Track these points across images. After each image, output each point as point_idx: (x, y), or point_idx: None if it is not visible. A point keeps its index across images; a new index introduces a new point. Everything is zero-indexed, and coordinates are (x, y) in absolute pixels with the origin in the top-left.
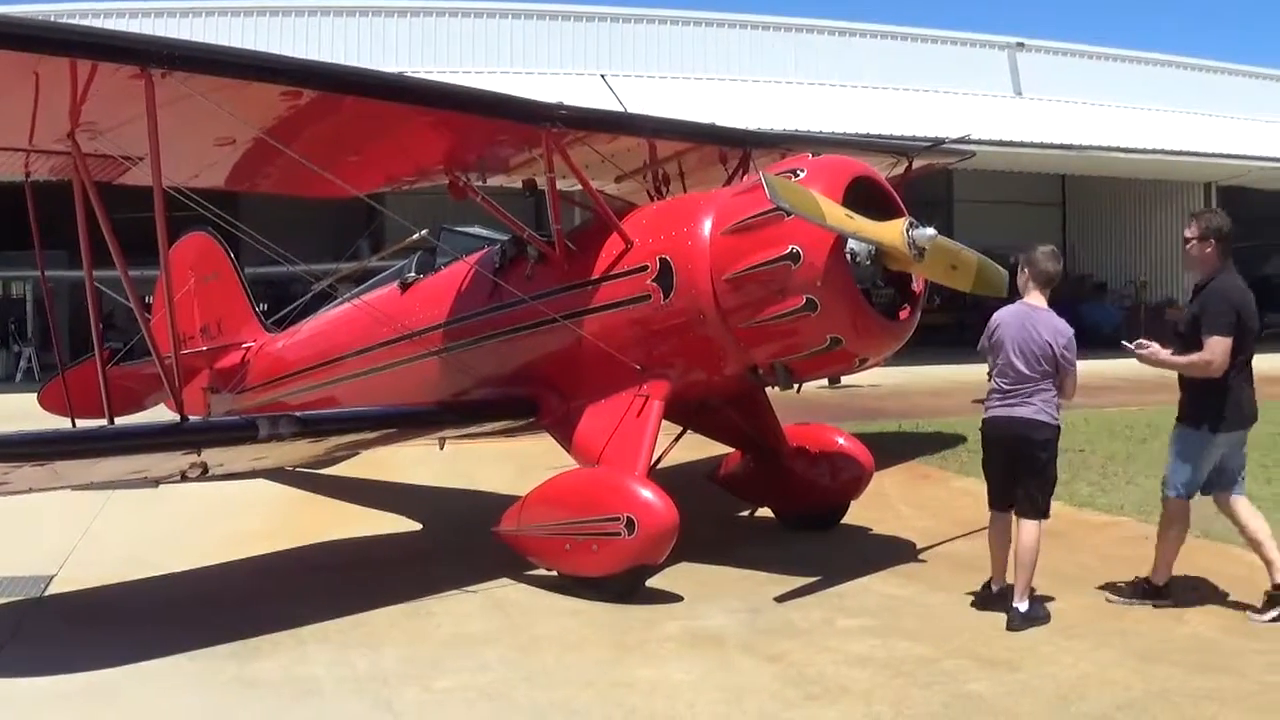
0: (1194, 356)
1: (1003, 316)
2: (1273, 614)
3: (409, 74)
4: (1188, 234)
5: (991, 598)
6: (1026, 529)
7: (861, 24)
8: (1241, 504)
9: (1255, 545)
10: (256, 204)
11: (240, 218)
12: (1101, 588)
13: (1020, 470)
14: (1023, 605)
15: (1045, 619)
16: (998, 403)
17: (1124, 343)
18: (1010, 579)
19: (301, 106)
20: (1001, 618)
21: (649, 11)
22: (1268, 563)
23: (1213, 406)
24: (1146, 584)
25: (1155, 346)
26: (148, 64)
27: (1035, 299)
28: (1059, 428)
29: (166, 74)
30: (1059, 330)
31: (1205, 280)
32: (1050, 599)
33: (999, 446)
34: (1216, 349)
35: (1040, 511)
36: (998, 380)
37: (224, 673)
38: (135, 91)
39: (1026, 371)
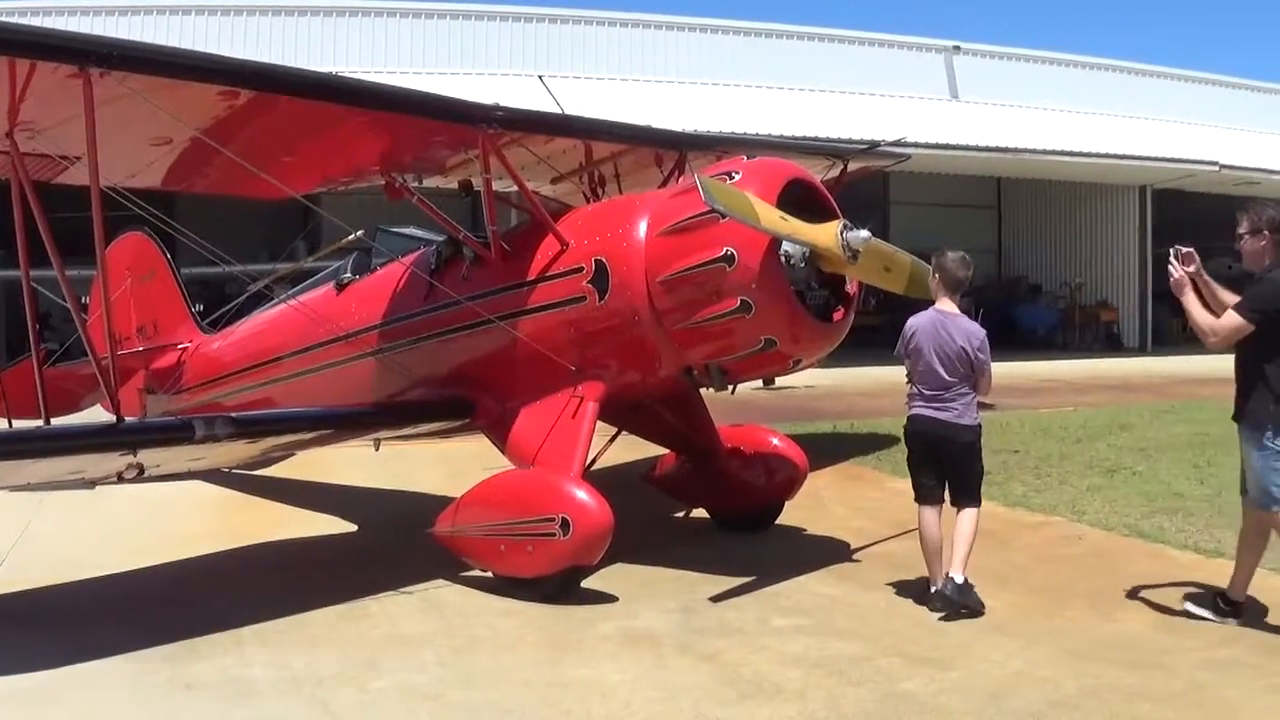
0: (1207, 316)
1: (917, 323)
2: None
3: (345, 74)
4: (1239, 230)
5: (933, 597)
6: (969, 516)
7: (798, 26)
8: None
9: None
10: (193, 204)
11: (177, 218)
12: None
13: (949, 469)
14: (959, 577)
15: (980, 608)
16: (921, 405)
17: (1174, 247)
18: (948, 572)
19: (238, 107)
20: (932, 616)
21: (586, 13)
22: None
23: (1266, 410)
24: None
25: (1194, 271)
26: (86, 63)
27: (946, 304)
28: (981, 426)
29: (105, 73)
30: (971, 333)
31: (1260, 276)
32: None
33: (924, 445)
34: (1227, 325)
35: (976, 500)
36: (918, 385)
37: (161, 674)
38: (73, 91)
39: (946, 375)
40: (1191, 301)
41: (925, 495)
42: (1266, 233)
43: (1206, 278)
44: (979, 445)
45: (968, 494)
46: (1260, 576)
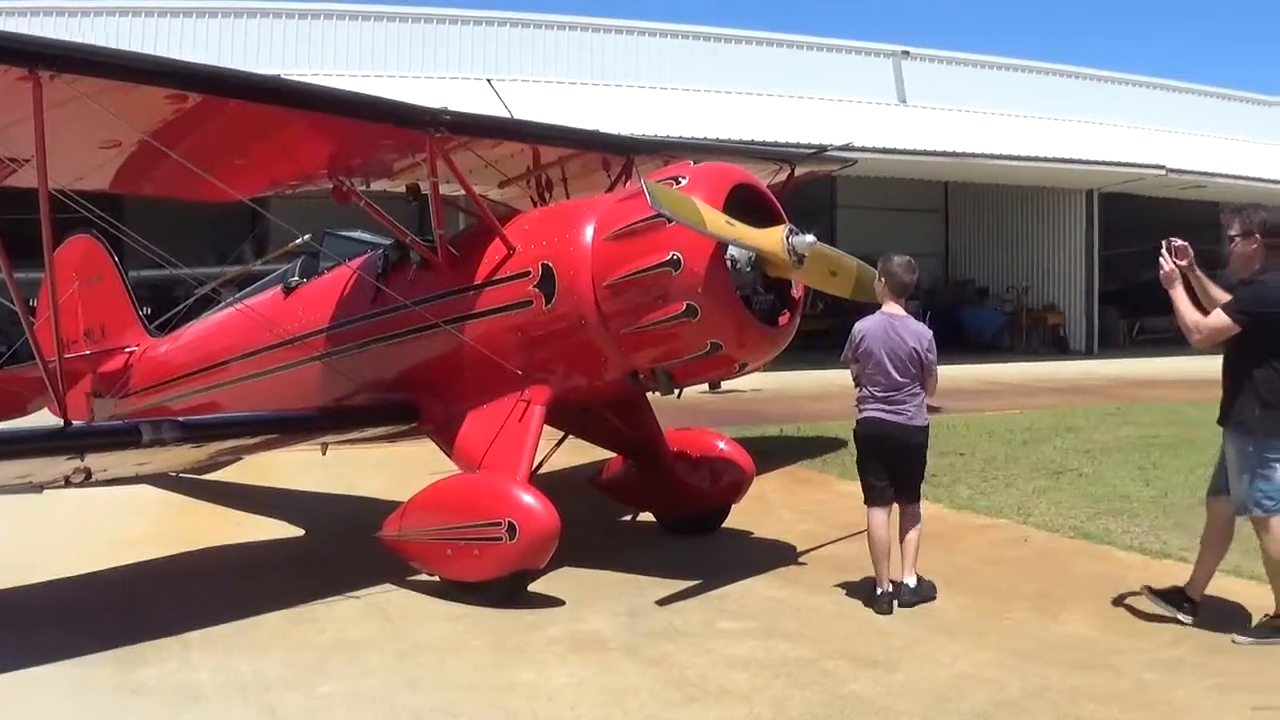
0: (1194, 313)
1: (866, 326)
2: (1268, 642)
3: (294, 77)
4: (1230, 232)
5: (879, 599)
6: (914, 515)
7: (746, 31)
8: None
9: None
10: (141, 207)
11: (125, 221)
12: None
13: (900, 469)
14: (911, 580)
15: (932, 594)
16: (873, 407)
17: (1167, 239)
18: (895, 577)
19: (187, 110)
20: (881, 619)
21: (535, 16)
22: (1276, 589)
23: (1253, 413)
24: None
25: (1186, 265)
26: (36, 66)
27: (893, 307)
28: (928, 427)
29: (55, 76)
30: (920, 334)
31: (1251, 279)
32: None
33: (877, 447)
34: (1213, 324)
35: (918, 496)
36: (869, 388)
37: (108, 679)
38: (23, 93)
39: (897, 377)
40: (1180, 296)
41: (876, 497)
42: (1258, 236)
43: (1199, 273)
44: (927, 443)
45: (914, 492)
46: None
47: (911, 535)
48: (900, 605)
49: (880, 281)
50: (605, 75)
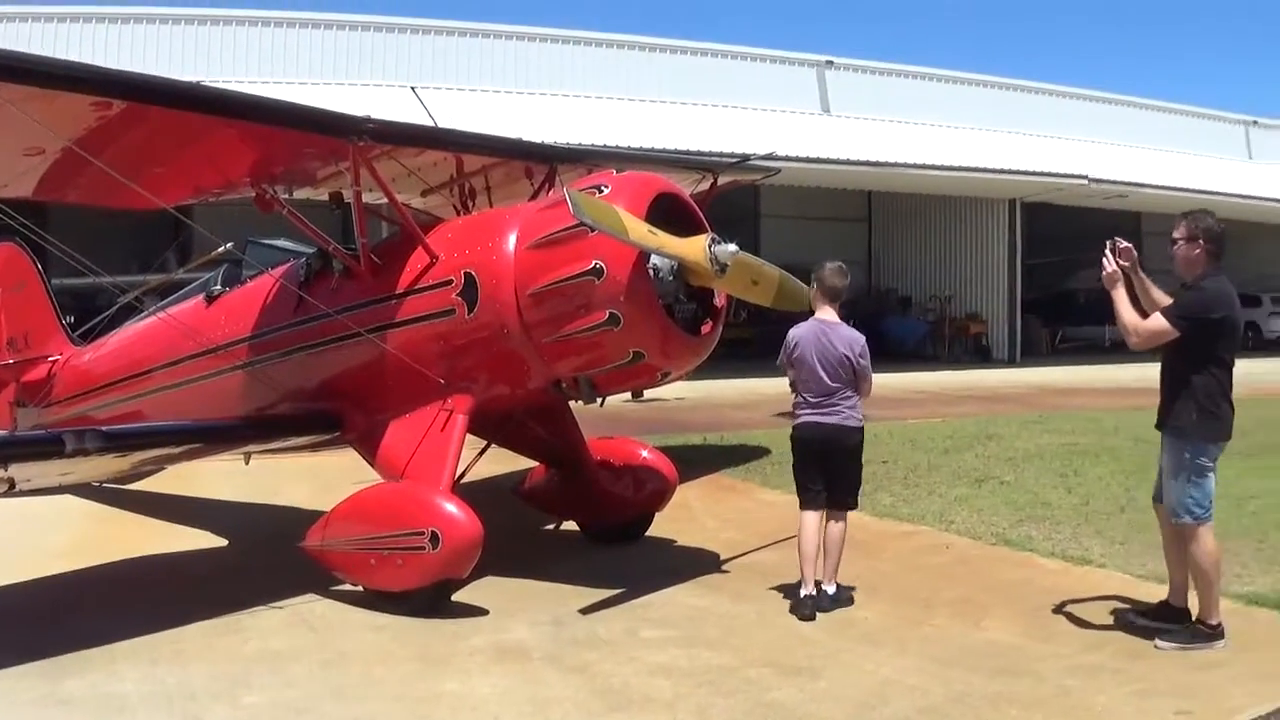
0: (1133, 315)
1: (799, 333)
2: (1189, 648)
3: (218, 85)
4: (1175, 235)
5: (802, 601)
6: (839, 522)
7: (671, 40)
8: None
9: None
10: (64, 215)
11: (48, 228)
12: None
13: (834, 472)
14: (831, 588)
15: (850, 601)
16: (808, 413)
17: (1111, 240)
18: (820, 583)
19: (111, 117)
20: (804, 626)
21: (459, 24)
22: (1201, 597)
23: (1190, 420)
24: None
25: (1129, 266)
26: None
27: (826, 313)
28: (862, 429)
29: None
30: (852, 340)
31: (1193, 284)
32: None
33: (812, 451)
34: (1152, 327)
35: (849, 504)
36: (803, 393)
37: (33, 691)
38: None
39: (830, 382)
40: (1121, 297)
41: (810, 500)
42: (1202, 242)
43: (1142, 275)
44: (860, 447)
45: (848, 496)
46: (1127, 583)
47: (835, 542)
48: (819, 611)
49: (813, 287)
50: (529, 84)
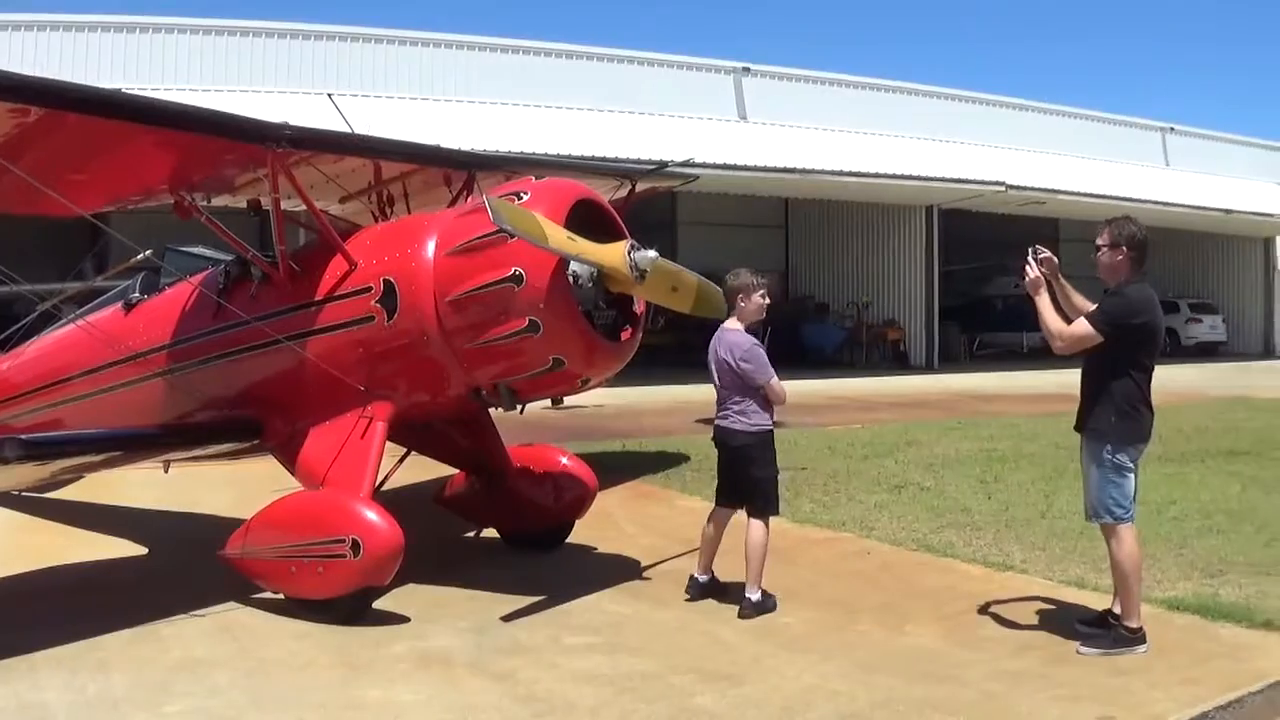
0: (1058, 321)
1: (712, 341)
2: (1110, 653)
3: (135, 92)
4: (1098, 241)
5: (700, 587)
6: (754, 526)
7: (587, 47)
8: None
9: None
10: None
11: None
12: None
13: (736, 474)
14: (754, 595)
15: (774, 608)
16: (716, 417)
17: (1033, 247)
18: (721, 573)
19: (28, 124)
20: (724, 632)
21: (375, 31)
22: (1122, 599)
23: (1109, 422)
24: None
25: (1050, 272)
26: None
27: (730, 320)
28: (759, 434)
29: None
30: (734, 345)
31: (1116, 290)
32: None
33: (718, 452)
34: (1076, 332)
35: (762, 512)
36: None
37: None
38: None
39: (720, 386)
40: (1044, 304)
41: (716, 497)
42: (1125, 248)
43: (1063, 281)
44: (755, 453)
45: (749, 501)
46: (1048, 588)
47: (752, 547)
48: (739, 617)
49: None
50: (445, 91)
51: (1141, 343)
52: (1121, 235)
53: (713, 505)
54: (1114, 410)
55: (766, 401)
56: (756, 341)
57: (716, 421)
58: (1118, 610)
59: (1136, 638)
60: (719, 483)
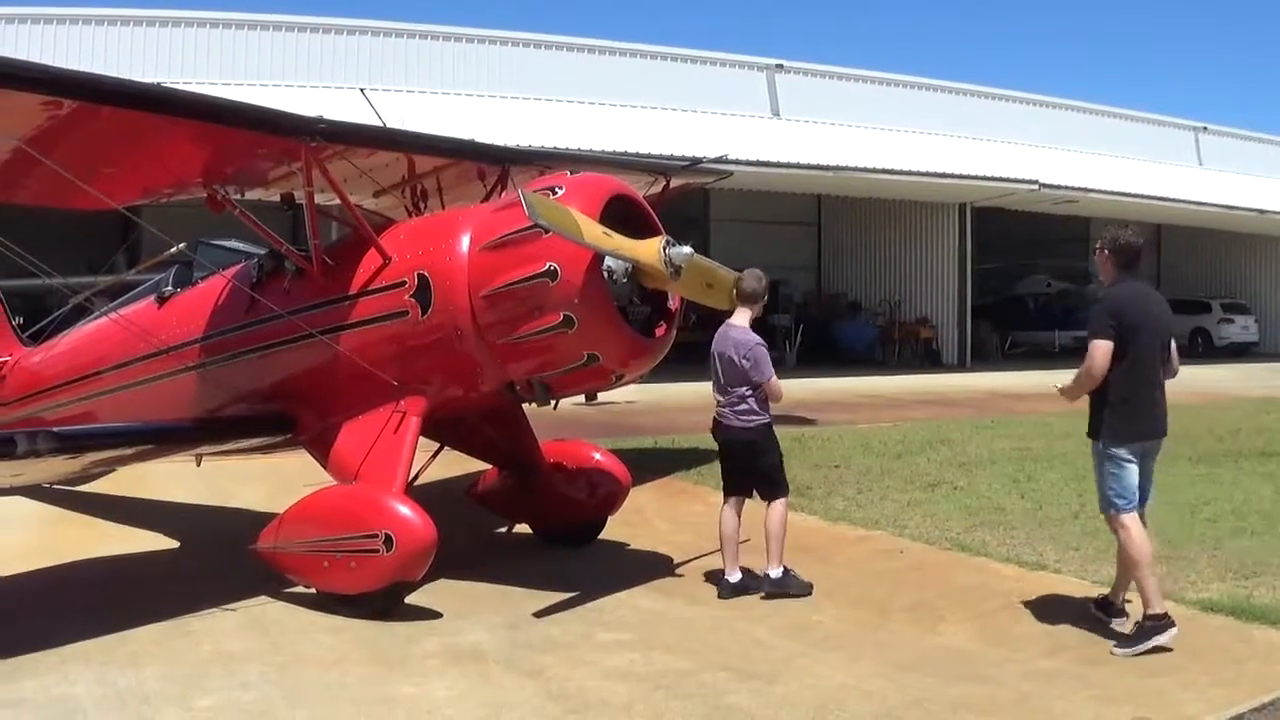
0: (1077, 375)
1: (716, 337)
2: (1142, 646)
3: (170, 85)
4: (1096, 245)
5: (733, 587)
6: (772, 508)
7: (624, 43)
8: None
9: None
10: (13, 215)
11: None
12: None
13: (743, 467)
14: (775, 572)
15: (801, 589)
16: (717, 412)
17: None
18: (757, 565)
19: (62, 117)
20: (757, 630)
21: (410, 26)
22: (1140, 590)
23: (1102, 417)
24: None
25: (1066, 383)
26: None
27: (736, 318)
28: (763, 427)
29: None
30: (739, 342)
31: (1102, 297)
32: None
33: (720, 446)
34: (1093, 353)
35: (775, 493)
36: (715, 394)
37: None
38: None
39: (724, 381)
40: (1070, 383)
41: (725, 490)
42: (1108, 253)
43: (1068, 384)
44: (762, 444)
45: (761, 487)
46: (1082, 588)
47: (771, 528)
48: (763, 597)
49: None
50: (479, 86)
51: (1128, 341)
52: (1107, 239)
53: (723, 501)
54: (1107, 406)
55: (765, 397)
56: (760, 341)
57: (720, 417)
58: (1118, 602)
59: (1163, 623)
60: (726, 477)
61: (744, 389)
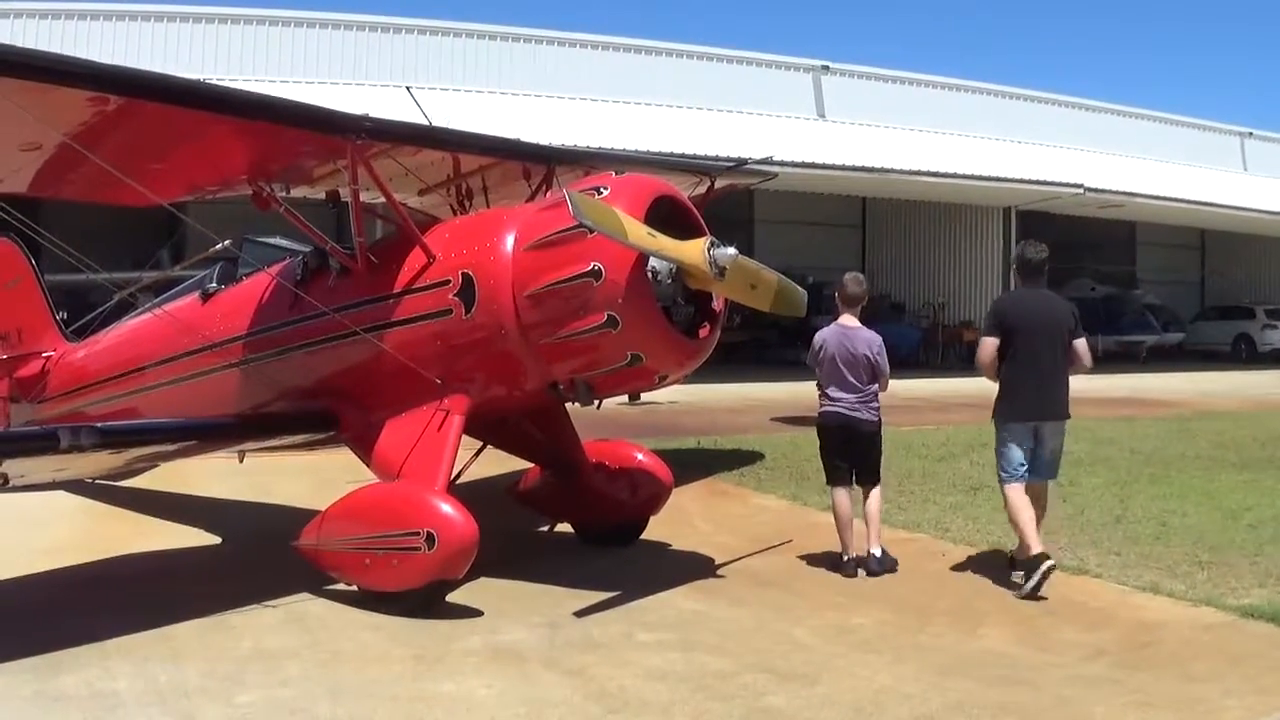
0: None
1: (825, 336)
2: (1031, 583)
3: (215, 82)
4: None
5: (845, 565)
6: (874, 495)
7: (667, 44)
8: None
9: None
10: (58, 210)
11: (42, 224)
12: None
13: (857, 456)
14: (877, 551)
15: (894, 568)
16: (831, 404)
17: None
18: (862, 550)
19: (108, 112)
20: (798, 631)
21: (455, 24)
22: (1020, 538)
23: (997, 400)
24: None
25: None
26: None
27: (847, 319)
28: (880, 420)
29: None
30: (871, 341)
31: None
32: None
33: (835, 438)
34: (979, 348)
35: (876, 480)
36: (827, 390)
37: (26, 687)
38: None
39: (852, 380)
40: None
41: (836, 478)
42: (1014, 266)
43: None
44: (880, 435)
45: (872, 473)
46: (1122, 593)
47: (873, 512)
48: (868, 574)
49: (835, 296)
50: (524, 85)
51: (1010, 341)
52: (1013, 255)
53: (831, 487)
54: (999, 394)
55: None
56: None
57: (841, 410)
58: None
59: (1036, 560)
60: (839, 466)
61: (875, 385)
